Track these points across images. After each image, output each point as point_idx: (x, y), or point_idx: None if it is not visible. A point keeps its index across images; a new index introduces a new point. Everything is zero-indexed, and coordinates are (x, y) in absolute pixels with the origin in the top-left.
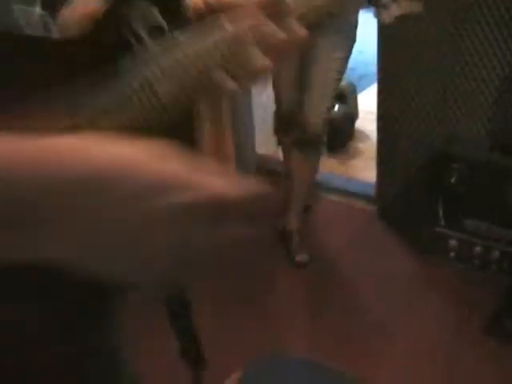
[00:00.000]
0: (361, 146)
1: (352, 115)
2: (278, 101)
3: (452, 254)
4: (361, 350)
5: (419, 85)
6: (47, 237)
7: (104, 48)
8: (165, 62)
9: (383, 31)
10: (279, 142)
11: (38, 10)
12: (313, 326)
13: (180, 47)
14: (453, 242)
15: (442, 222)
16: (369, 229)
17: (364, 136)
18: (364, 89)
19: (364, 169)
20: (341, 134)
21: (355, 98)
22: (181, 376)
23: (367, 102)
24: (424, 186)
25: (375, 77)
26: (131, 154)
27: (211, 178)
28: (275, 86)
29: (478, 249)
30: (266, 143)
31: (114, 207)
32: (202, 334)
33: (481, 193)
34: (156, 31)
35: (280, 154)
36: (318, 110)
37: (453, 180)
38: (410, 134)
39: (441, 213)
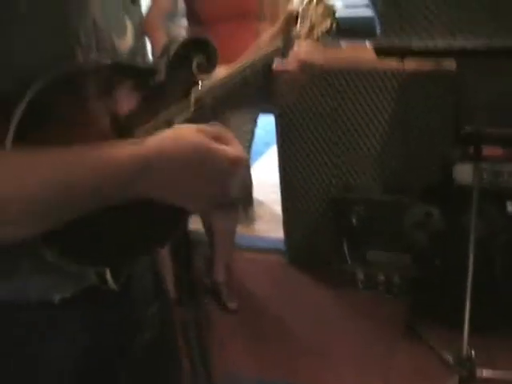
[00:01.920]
0: (259, 210)
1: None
2: None
3: (360, 285)
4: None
5: (314, 149)
6: (155, 192)
7: None
8: None
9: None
10: None
11: None
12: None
13: None
14: (360, 275)
15: (348, 259)
16: (283, 276)
17: (259, 201)
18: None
19: (268, 228)
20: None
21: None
22: None
23: (260, 172)
24: (328, 231)
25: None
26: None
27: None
28: None
29: (381, 277)
30: None
31: (205, 177)
32: None
33: (378, 228)
34: None
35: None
36: None
37: (353, 221)
38: (310, 189)
39: (346, 251)
